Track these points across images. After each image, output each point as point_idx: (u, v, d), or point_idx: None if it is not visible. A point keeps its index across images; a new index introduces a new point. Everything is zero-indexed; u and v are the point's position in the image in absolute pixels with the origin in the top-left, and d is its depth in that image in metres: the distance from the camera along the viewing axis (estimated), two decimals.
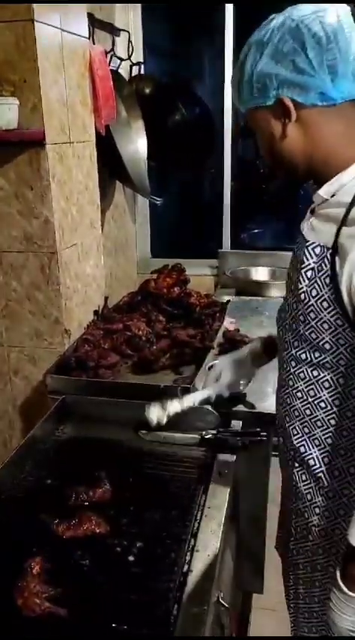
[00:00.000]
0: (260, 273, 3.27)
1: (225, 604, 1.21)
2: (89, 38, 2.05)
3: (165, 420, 1.41)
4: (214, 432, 1.52)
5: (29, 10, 1.59)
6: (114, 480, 1.31)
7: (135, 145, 2.73)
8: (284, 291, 1.20)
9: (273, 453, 1.83)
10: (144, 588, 1.02)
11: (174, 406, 1.42)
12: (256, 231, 3.69)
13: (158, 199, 2.79)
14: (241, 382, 1.49)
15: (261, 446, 1.54)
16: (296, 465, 1.18)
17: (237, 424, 1.58)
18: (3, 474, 1.31)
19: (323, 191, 1.01)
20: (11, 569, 1.03)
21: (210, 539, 1.15)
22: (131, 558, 1.09)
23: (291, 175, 1.10)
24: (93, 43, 2.17)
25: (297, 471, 1.18)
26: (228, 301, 2.40)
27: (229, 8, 2.97)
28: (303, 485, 1.18)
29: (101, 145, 2.18)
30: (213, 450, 1.46)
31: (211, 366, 1.52)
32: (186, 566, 1.07)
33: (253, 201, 3.56)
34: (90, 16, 2.10)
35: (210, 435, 1.50)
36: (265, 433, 1.52)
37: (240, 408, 1.64)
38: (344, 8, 0.97)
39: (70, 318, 1.95)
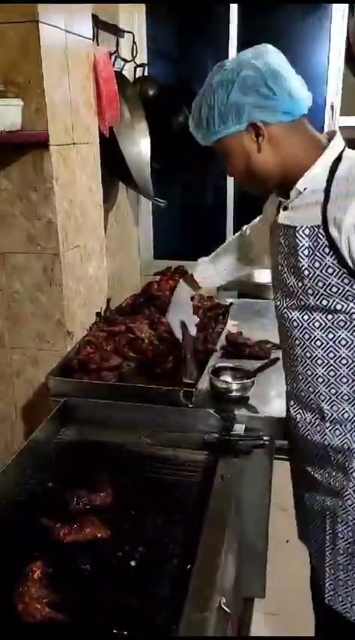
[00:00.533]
0: (262, 276, 3.26)
1: (227, 609, 1.20)
2: (93, 40, 2.05)
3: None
4: (217, 435, 1.51)
5: (34, 11, 1.58)
6: (115, 484, 1.30)
7: (139, 146, 2.73)
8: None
9: (276, 456, 1.82)
10: (145, 594, 1.01)
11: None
12: None
13: (162, 201, 2.79)
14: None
15: (263, 449, 1.54)
16: (328, 424, 1.29)
17: (239, 427, 1.57)
18: (5, 476, 1.31)
19: (300, 185, 1.21)
20: (12, 573, 1.03)
21: (212, 544, 1.14)
22: (132, 563, 1.09)
23: (264, 186, 1.31)
24: (98, 45, 2.17)
25: (329, 430, 1.29)
26: (231, 304, 2.39)
27: (234, 9, 2.97)
28: (339, 440, 1.28)
29: (105, 147, 2.18)
30: (215, 454, 1.46)
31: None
32: (187, 573, 1.06)
33: (256, 203, 3.55)
34: (94, 17, 2.10)
35: (212, 439, 1.49)
36: (268, 437, 1.52)
37: (243, 411, 1.64)
38: (273, 52, 1.19)
39: (72, 320, 1.94)
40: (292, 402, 1.39)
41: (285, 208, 1.27)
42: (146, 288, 2.33)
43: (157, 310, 2.20)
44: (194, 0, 3.06)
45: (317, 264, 1.18)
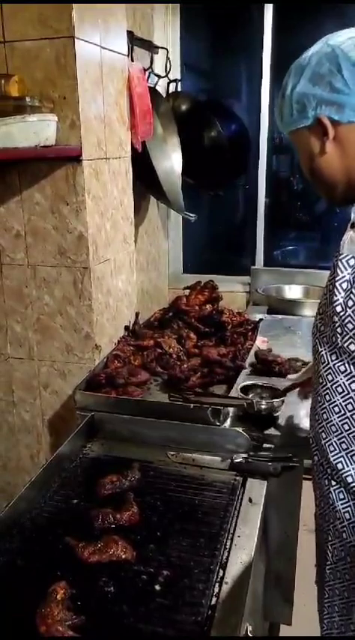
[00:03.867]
0: (293, 291, 3.22)
1: (252, 637, 1.17)
2: (128, 56, 2.06)
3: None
4: (245, 455, 1.48)
5: (70, 27, 1.60)
6: (140, 503, 1.28)
7: (171, 161, 2.73)
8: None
9: (305, 477, 1.77)
10: (170, 621, 0.98)
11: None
12: (290, 248, 3.63)
13: (192, 215, 2.78)
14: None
15: (292, 471, 1.50)
16: (334, 482, 1.14)
17: (268, 448, 1.53)
18: (30, 491, 1.30)
19: None
20: (35, 592, 1.01)
21: (239, 570, 1.11)
22: (157, 587, 1.06)
23: (331, 193, 1.16)
24: (132, 61, 2.18)
25: (334, 490, 1.15)
26: (261, 320, 2.36)
27: (268, 23, 2.96)
28: (341, 504, 1.14)
29: (137, 161, 2.18)
30: (243, 475, 1.42)
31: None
32: (214, 599, 1.03)
33: (287, 217, 3.52)
34: (129, 33, 2.12)
35: (240, 459, 1.46)
36: (297, 459, 1.48)
37: (272, 431, 1.60)
38: None
39: (100, 334, 1.94)
40: (311, 441, 1.26)
41: (352, 225, 1.07)
42: (174, 302, 2.32)
43: (185, 325, 2.19)
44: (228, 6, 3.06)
45: (350, 303, 1.02)
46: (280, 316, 2.71)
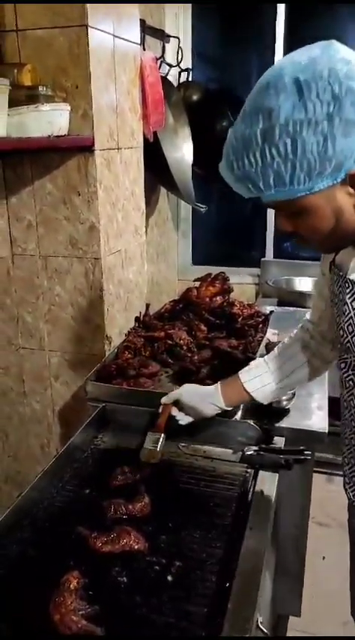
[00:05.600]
0: (303, 284, 3.21)
1: (264, 630, 1.17)
2: (140, 44, 2.04)
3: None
4: (256, 448, 1.47)
5: (83, 15, 1.59)
6: (152, 494, 1.28)
7: (182, 151, 2.72)
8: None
9: (316, 469, 1.77)
10: (182, 611, 0.98)
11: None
12: None
13: (202, 206, 2.77)
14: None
15: (303, 464, 1.49)
16: None
17: (279, 441, 1.53)
18: (42, 482, 1.30)
19: None
20: (48, 582, 1.02)
21: (251, 562, 1.10)
22: (170, 578, 1.06)
23: (341, 246, 1.05)
24: (144, 50, 2.17)
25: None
26: (271, 312, 2.35)
27: (281, 11, 2.93)
28: None
29: (147, 151, 2.17)
30: (254, 467, 1.42)
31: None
32: (226, 591, 1.03)
33: None
34: (142, 22, 2.10)
35: (251, 452, 1.46)
36: (309, 451, 1.47)
37: (283, 423, 1.60)
38: None
39: (111, 325, 1.94)
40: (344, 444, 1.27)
41: None
42: (185, 294, 2.31)
43: (196, 317, 2.18)
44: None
45: None
46: (291, 308, 2.69)
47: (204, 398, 1.44)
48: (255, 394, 1.41)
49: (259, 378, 1.41)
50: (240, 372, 1.44)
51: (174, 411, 1.48)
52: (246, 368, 1.45)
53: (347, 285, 1.07)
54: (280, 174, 0.88)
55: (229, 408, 1.46)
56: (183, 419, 1.48)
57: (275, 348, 1.46)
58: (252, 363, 1.47)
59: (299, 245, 1.05)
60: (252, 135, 0.88)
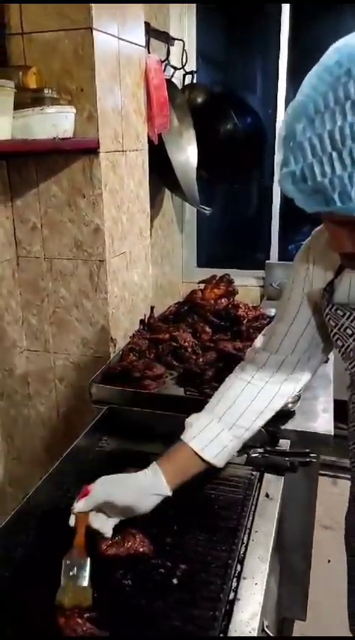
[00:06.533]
0: None
1: (270, 634, 1.16)
2: (145, 47, 2.04)
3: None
4: (261, 450, 1.47)
5: (88, 18, 1.59)
6: None
7: (186, 153, 2.72)
8: None
9: (321, 472, 1.76)
10: (188, 615, 0.98)
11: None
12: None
13: (207, 209, 2.77)
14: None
15: (309, 467, 1.49)
16: None
17: (285, 443, 1.52)
18: (47, 484, 1.30)
19: None
20: (53, 585, 1.01)
21: (257, 566, 1.10)
22: (175, 581, 1.06)
23: None
24: (149, 52, 2.17)
25: None
26: None
27: (285, 15, 2.93)
28: None
29: (152, 154, 2.17)
30: (259, 470, 1.41)
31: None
32: (232, 594, 1.02)
33: (301, 212, 3.49)
34: (146, 25, 2.10)
35: (256, 454, 1.45)
36: (315, 454, 1.47)
37: (288, 426, 1.59)
38: None
39: (116, 327, 1.94)
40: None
41: None
42: (190, 296, 2.31)
43: (200, 319, 2.17)
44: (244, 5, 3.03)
45: None
46: None
47: (138, 491, 1.12)
48: (216, 460, 1.20)
49: (216, 441, 1.18)
50: (185, 439, 1.19)
51: (94, 522, 1.10)
52: (191, 433, 1.19)
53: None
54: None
55: (170, 494, 1.15)
56: (107, 527, 1.10)
57: (214, 397, 1.26)
58: (195, 423, 1.21)
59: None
60: (341, 131, 0.70)
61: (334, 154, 0.71)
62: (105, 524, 1.10)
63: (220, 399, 1.23)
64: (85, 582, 1.00)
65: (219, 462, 1.20)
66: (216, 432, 1.19)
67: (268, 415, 1.24)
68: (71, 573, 1.01)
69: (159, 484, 1.13)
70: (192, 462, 1.18)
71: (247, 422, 1.21)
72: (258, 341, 1.27)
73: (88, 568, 1.02)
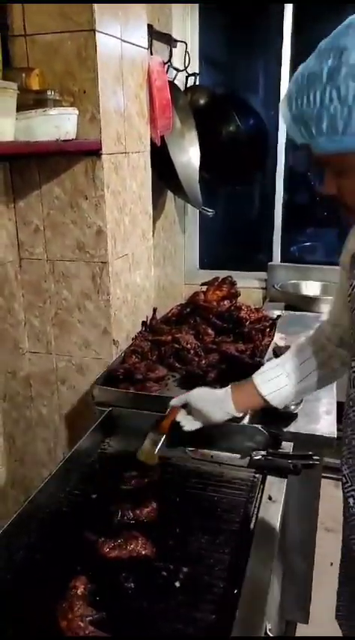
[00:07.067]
0: (310, 288, 3.20)
1: (272, 636, 1.16)
2: (148, 49, 2.04)
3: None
4: (264, 453, 1.46)
5: (91, 20, 1.59)
6: (159, 499, 1.27)
7: (189, 155, 2.72)
8: None
9: (324, 475, 1.76)
10: (190, 618, 0.97)
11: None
12: (307, 244, 3.61)
13: (210, 210, 2.77)
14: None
15: (312, 469, 1.48)
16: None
17: (287, 445, 1.51)
18: (49, 486, 1.30)
19: None
20: (55, 587, 1.01)
21: (259, 568, 1.09)
22: (177, 584, 1.05)
23: None
24: (151, 54, 2.17)
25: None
26: (279, 316, 2.34)
27: (288, 16, 2.93)
28: None
29: (154, 155, 2.17)
30: (262, 472, 1.41)
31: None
32: (234, 597, 1.02)
33: (304, 213, 3.49)
34: (149, 27, 2.10)
35: (259, 457, 1.45)
36: (318, 456, 1.46)
37: (291, 428, 1.59)
38: None
39: (118, 329, 1.94)
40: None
41: None
42: (192, 298, 2.30)
43: (203, 321, 2.17)
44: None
45: None
46: (299, 313, 2.68)
47: (214, 403, 1.38)
48: (270, 398, 1.33)
49: (274, 381, 1.33)
50: (253, 375, 1.37)
51: (180, 416, 1.43)
52: (260, 370, 1.37)
53: None
54: (335, 119, 0.82)
55: (240, 415, 1.39)
56: (189, 424, 1.42)
57: (289, 351, 1.39)
58: (266, 365, 1.39)
59: (341, 214, 0.99)
60: (318, 72, 0.84)
61: (328, 87, 0.82)
62: (186, 420, 1.42)
63: (291, 357, 1.36)
64: (156, 450, 1.39)
65: (273, 399, 1.34)
66: (276, 374, 1.34)
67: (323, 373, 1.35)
68: (150, 441, 1.41)
69: (227, 402, 1.36)
70: (253, 394, 1.35)
71: (302, 374, 1.34)
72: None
73: (161, 442, 1.40)
